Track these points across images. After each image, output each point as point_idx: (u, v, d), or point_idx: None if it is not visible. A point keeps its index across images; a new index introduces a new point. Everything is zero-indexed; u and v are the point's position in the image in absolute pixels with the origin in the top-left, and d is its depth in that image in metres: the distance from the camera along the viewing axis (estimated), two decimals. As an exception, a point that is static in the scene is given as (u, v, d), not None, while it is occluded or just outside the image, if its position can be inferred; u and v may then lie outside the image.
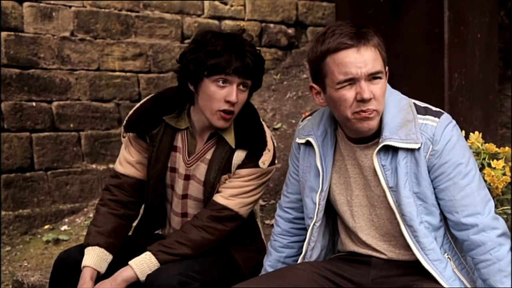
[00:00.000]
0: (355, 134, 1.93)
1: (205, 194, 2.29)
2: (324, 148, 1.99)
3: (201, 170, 2.29)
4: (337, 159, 2.00)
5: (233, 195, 2.24)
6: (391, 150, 1.88)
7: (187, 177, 2.31)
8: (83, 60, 4.77)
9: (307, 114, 2.76)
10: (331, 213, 2.07)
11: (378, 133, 1.91)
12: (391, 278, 1.96)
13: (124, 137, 2.37)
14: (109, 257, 2.29)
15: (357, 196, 1.98)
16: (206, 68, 2.16)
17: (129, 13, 5.04)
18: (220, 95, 2.17)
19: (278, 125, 5.03)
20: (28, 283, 3.23)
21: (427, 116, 1.90)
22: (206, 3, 5.48)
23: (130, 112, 2.36)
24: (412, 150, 1.86)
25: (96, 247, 2.26)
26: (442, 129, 1.88)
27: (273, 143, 2.32)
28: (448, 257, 1.93)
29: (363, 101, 1.82)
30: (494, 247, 1.85)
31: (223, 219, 2.23)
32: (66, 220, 4.62)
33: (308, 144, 2.04)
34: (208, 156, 2.27)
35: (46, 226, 4.53)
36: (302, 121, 2.12)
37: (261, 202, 4.12)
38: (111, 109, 4.89)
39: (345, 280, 2.00)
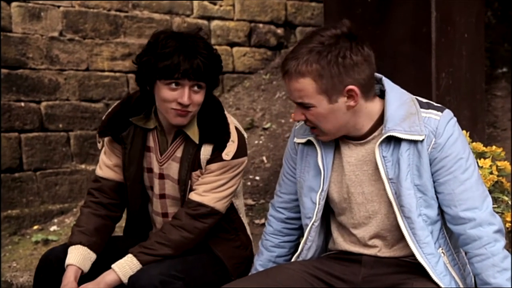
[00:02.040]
0: (356, 132, 1.96)
1: (181, 193, 2.30)
2: (326, 148, 2.00)
3: (173, 169, 2.30)
4: (335, 157, 2.01)
5: (206, 190, 2.25)
6: (393, 142, 1.90)
7: (161, 176, 2.33)
8: (72, 60, 4.76)
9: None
10: (326, 213, 2.07)
11: (376, 128, 1.93)
12: (381, 276, 1.97)
13: (99, 142, 2.40)
14: (92, 256, 2.29)
15: (352, 194, 1.98)
16: (157, 71, 2.17)
17: (118, 13, 5.03)
18: (172, 97, 2.18)
19: (268, 125, 5.04)
20: (17, 283, 3.22)
21: (430, 110, 1.92)
22: (195, 3, 5.48)
23: (103, 117, 2.41)
24: (415, 142, 1.88)
25: (79, 245, 2.28)
26: (445, 123, 1.90)
27: (240, 134, 2.31)
28: (442, 252, 1.94)
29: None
30: (489, 242, 1.87)
31: (200, 216, 2.24)
32: (55, 220, 4.60)
33: (307, 143, 2.04)
34: (179, 154, 2.29)
35: (35, 227, 4.52)
36: (298, 121, 2.10)
37: (250, 201, 4.12)
38: (100, 109, 4.88)
39: (336, 278, 2.00)
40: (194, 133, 2.26)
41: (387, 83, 1.96)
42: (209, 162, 2.26)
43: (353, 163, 1.97)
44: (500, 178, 2.48)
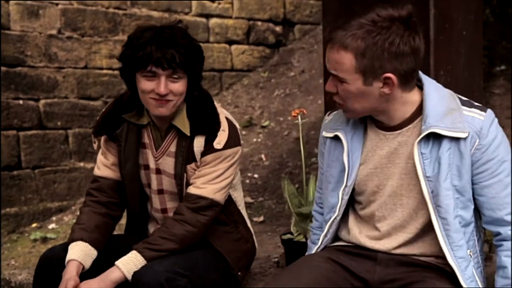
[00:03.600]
0: (387, 120, 1.90)
1: (177, 187, 2.31)
2: (354, 144, 1.95)
3: (169, 164, 2.31)
4: (363, 151, 1.95)
5: (204, 183, 2.25)
6: (432, 139, 1.82)
7: (158, 171, 2.34)
8: (70, 58, 4.76)
9: (297, 111, 2.77)
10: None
11: (412, 119, 1.87)
12: (397, 274, 1.92)
13: (94, 142, 2.42)
14: (93, 252, 2.29)
15: (385, 186, 1.92)
16: (133, 63, 2.19)
17: (116, 10, 5.03)
18: (150, 87, 2.19)
19: (266, 123, 5.04)
20: (15, 281, 3.22)
21: (473, 109, 1.85)
22: (194, 1, 5.48)
23: (98, 117, 2.42)
24: (457, 141, 1.81)
25: (80, 241, 2.28)
26: (489, 123, 1.83)
27: (230, 123, 2.32)
28: (470, 254, 1.89)
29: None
30: None
31: (201, 209, 2.25)
32: (54, 218, 4.61)
33: (336, 138, 1.99)
34: (173, 149, 2.30)
35: (34, 225, 4.52)
36: (328, 115, 2.07)
37: (249, 199, 4.13)
38: (98, 107, 4.88)
39: (351, 275, 1.96)
40: (184, 126, 2.27)
41: (424, 77, 1.90)
42: (203, 154, 2.27)
43: (384, 155, 1.91)
44: (498, 175, 2.48)
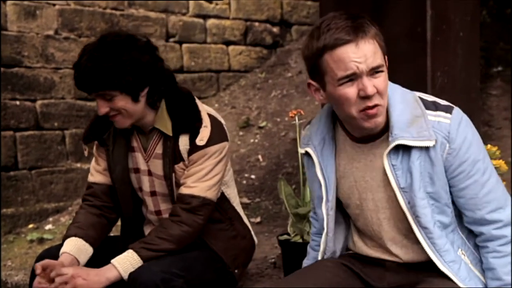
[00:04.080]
0: (360, 132, 1.85)
1: (168, 187, 2.31)
2: (324, 157, 1.92)
3: (157, 166, 2.32)
4: (341, 164, 1.92)
5: (194, 181, 2.26)
6: (402, 149, 1.80)
7: (150, 173, 2.35)
8: (67, 59, 4.75)
9: (294, 112, 2.77)
10: (346, 214, 2.01)
11: (384, 129, 1.83)
12: (407, 279, 1.91)
13: (85, 149, 2.44)
14: (88, 248, 2.30)
15: (365, 200, 1.91)
16: None
17: (113, 11, 5.02)
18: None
19: (263, 124, 5.04)
20: (12, 282, 3.21)
21: (438, 112, 1.81)
22: (191, 2, 5.48)
23: (87, 125, 2.47)
24: (426, 149, 1.78)
25: (74, 237, 2.29)
26: (457, 125, 1.79)
27: (214, 119, 2.31)
28: (462, 253, 1.87)
29: (367, 97, 1.73)
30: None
31: (196, 209, 2.25)
32: (51, 219, 4.60)
33: (308, 154, 1.96)
34: (159, 150, 2.31)
35: (30, 225, 4.51)
36: (303, 129, 2.03)
37: (246, 200, 4.12)
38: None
39: (361, 280, 1.96)
40: (166, 127, 2.28)
41: (390, 84, 1.85)
42: (189, 153, 2.27)
43: (361, 168, 1.89)
44: (495, 176, 2.48)
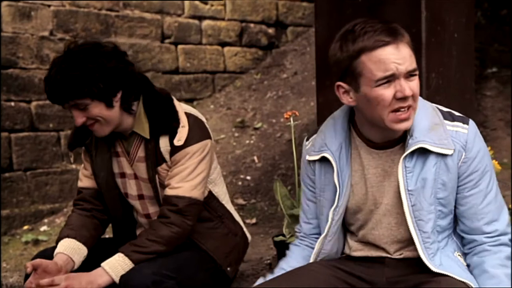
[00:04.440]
0: (382, 137, 1.87)
1: (153, 189, 2.31)
2: (341, 163, 1.92)
3: (141, 169, 2.33)
4: (355, 170, 1.93)
5: (178, 182, 2.26)
6: (418, 153, 1.83)
7: (136, 177, 2.35)
8: (62, 60, 4.75)
9: (289, 114, 2.77)
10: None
11: (402, 136, 1.86)
12: (406, 276, 1.92)
13: (70, 156, 2.50)
14: (82, 248, 2.30)
15: (380, 205, 1.92)
16: None
17: (108, 12, 5.02)
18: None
19: (259, 125, 5.04)
20: (6, 284, 3.20)
21: (456, 123, 1.87)
22: (186, 3, 5.47)
23: (71, 132, 2.49)
24: (443, 156, 1.83)
25: (66, 238, 2.30)
26: (474, 136, 1.86)
27: (194, 118, 2.31)
28: (458, 255, 1.91)
29: (404, 98, 1.77)
30: (502, 244, 1.88)
31: (183, 209, 2.25)
32: (46, 220, 4.59)
33: (323, 160, 1.95)
34: (141, 154, 2.32)
35: (25, 227, 4.50)
36: (307, 140, 2.03)
37: (241, 201, 4.13)
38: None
39: (359, 279, 1.96)
40: (143, 130, 2.29)
41: None
42: (171, 154, 2.28)
43: (379, 174, 1.90)
44: (490, 177, 2.48)
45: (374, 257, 1.97)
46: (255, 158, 4.62)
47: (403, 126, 1.80)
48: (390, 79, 1.76)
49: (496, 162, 2.50)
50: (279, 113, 5.03)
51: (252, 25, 5.90)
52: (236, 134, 5.02)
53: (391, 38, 1.76)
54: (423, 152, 1.83)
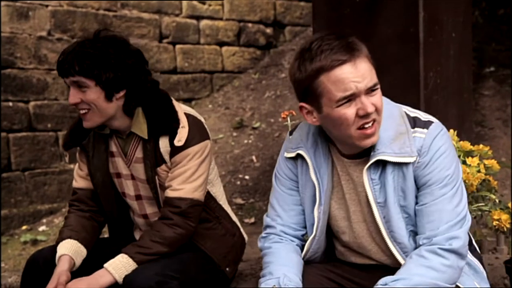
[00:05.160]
0: (351, 150, 1.85)
1: (152, 190, 2.31)
2: (317, 160, 1.89)
3: (139, 170, 2.32)
4: (334, 173, 1.91)
5: (180, 183, 2.25)
6: (381, 164, 1.81)
7: (133, 177, 2.35)
8: (60, 60, 4.74)
9: (286, 113, 2.77)
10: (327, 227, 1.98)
11: (370, 147, 1.82)
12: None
13: (66, 156, 2.45)
14: (83, 250, 2.29)
15: (354, 212, 1.90)
16: None
17: (106, 12, 5.02)
18: (69, 101, 2.25)
19: (257, 124, 5.04)
20: (5, 284, 3.20)
21: (416, 129, 1.82)
22: (184, 3, 5.48)
23: (66, 131, 2.46)
24: (400, 164, 1.79)
25: (69, 239, 2.28)
26: (431, 140, 1.80)
27: (193, 118, 2.29)
28: None
29: (367, 115, 1.73)
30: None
31: (186, 210, 2.24)
32: (44, 220, 4.59)
33: (301, 157, 1.93)
34: (139, 154, 2.30)
35: (24, 227, 4.50)
36: (289, 135, 2.00)
37: (240, 200, 4.13)
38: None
39: (352, 282, 1.95)
40: (141, 130, 2.27)
41: None
42: (171, 155, 2.26)
43: (350, 182, 1.89)
44: (488, 176, 2.49)
45: (364, 264, 1.96)
46: (254, 157, 4.63)
47: (369, 142, 1.77)
48: (351, 98, 1.72)
49: (495, 161, 2.51)
50: (277, 113, 5.03)
51: (250, 25, 5.90)
52: (235, 134, 5.02)
53: (348, 55, 1.71)
54: (385, 163, 1.80)
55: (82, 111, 2.24)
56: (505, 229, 2.43)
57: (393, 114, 1.84)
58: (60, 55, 2.22)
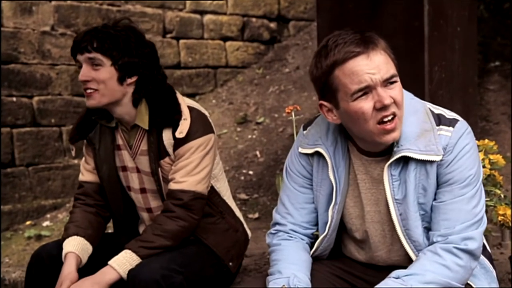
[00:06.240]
0: (374, 148, 1.81)
1: (155, 183, 2.31)
2: (336, 159, 1.86)
3: (144, 163, 2.32)
4: (351, 171, 1.87)
5: (183, 176, 2.25)
6: (403, 161, 1.77)
7: (138, 170, 2.35)
8: (64, 55, 4.74)
9: (290, 108, 2.76)
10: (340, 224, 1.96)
11: (392, 145, 1.78)
12: None
13: (72, 149, 2.44)
14: (89, 247, 2.29)
15: (368, 212, 1.87)
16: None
17: (110, 7, 5.01)
18: (79, 77, 2.26)
19: (261, 119, 5.03)
20: (9, 279, 3.21)
21: (441, 126, 1.78)
22: (188, -3, 5.47)
23: (73, 125, 2.46)
24: (424, 161, 1.76)
25: (76, 236, 2.28)
26: (456, 139, 1.77)
27: (196, 112, 2.29)
28: None
29: (384, 108, 1.69)
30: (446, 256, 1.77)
31: (188, 203, 2.24)
32: (48, 215, 4.59)
33: (318, 154, 1.89)
34: (144, 147, 2.31)
35: (28, 222, 4.51)
36: (304, 129, 1.96)
37: (244, 196, 4.12)
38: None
39: (360, 279, 1.94)
40: (143, 121, 2.27)
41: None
42: (175, 148, 2.26)
43: (368, 181, 1.85)
44: (493, 171, 2.48)
45: (374, 264, 1.94)
46: (258, 152, 4.62)
47: (390, 138, 1.73)
48: (367, 90, 1.69)
49: (501, 156, 2.49)
50: (281, 108, 5.03)
51: (254, 19, 5.88)
52: (238, 129, 5.02)
53: (362, 47, 1.69)
54: (407, 160, 1.77)
55: (89, 90, 2.24)
56: (510, 224, 2.42)
57: (418, 110, 1.81)
58: (76, 36, 2.27)
